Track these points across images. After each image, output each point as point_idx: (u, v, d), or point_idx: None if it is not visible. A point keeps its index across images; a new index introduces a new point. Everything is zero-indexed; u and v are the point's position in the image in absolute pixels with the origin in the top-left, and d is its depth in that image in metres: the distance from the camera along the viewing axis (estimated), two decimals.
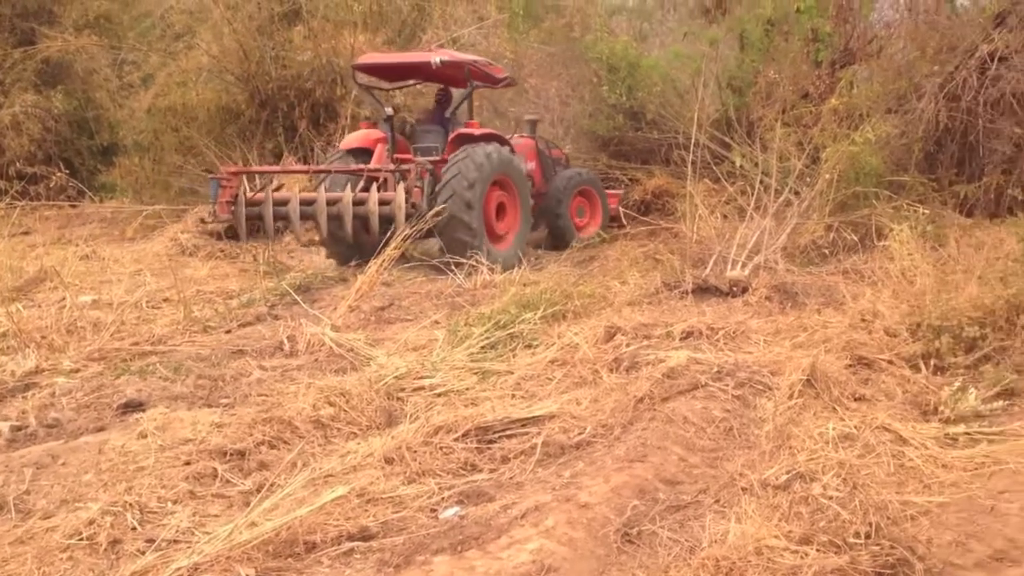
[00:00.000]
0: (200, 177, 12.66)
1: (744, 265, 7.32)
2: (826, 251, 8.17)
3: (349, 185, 8.86)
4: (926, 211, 7.97)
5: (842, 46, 11.64)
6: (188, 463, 3.89)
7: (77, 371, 5.60)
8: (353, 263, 8.94)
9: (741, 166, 9.40)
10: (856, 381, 4.81)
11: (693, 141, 9.89)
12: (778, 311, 6.50)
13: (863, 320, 5.74)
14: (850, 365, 5.04)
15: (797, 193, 8.39)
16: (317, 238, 9.69)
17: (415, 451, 3.96)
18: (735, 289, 6.99)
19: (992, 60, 9.17)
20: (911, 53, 10.32)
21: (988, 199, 9.10)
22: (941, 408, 4.34)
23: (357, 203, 8.62)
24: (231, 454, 4.00)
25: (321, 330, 6.08)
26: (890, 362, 5.09)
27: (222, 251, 10.44)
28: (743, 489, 3.47)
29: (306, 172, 10.22)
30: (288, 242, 10.79)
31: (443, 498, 3.61)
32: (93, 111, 16.02)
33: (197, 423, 4.34)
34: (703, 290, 7.06)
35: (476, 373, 5.28)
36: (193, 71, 13.86)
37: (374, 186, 8.78)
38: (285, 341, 6.04)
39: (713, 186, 10.03)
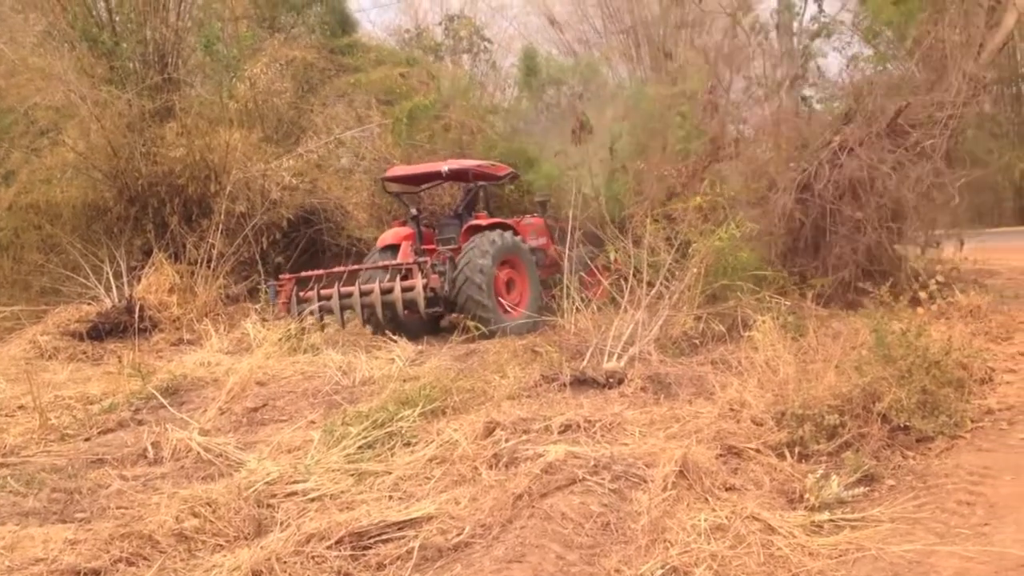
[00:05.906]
0: (63, 276, 12.14)
1: (620, 356, 7.47)
2: (696, 341, 8.40)
3: (384, 277, 10.32)
4: (786, 303, 8.35)
5: (710, 145, 12.29)
6: None
7: None
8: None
9: (615, 259, 9.69)
10: (727, 471, 4.93)
11: (568, 241, 10.18)
12: (652, 402, 6.62)
13: (731, 410, 5.90)
14: (721, 455, 5.15)
15: (667, 286, 8.67)
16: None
17: (285, 562, 3.81)
18: (611, 380, 7.10)
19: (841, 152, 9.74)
20: (769, 151, 10.98)
21: (841, 292, 9.59)
22: (806, 495, 4.48)
23: (386, 291, 10.02)
24: (85, 574, 3.76)
25: (188, 435, 5.87)
26: (758, 451, 5.23)
27: (84, 353, 9.98)
28: None
29: (345, 272, 10.92)
30: (156, 341, 10.41)
31: None
32: None
33: (49, 541, 4.09)
34: (581, 382, 7.15)
35: (352, 475, 5.16)
36: (58, 168, 13.41)
37: (398, 277, 10.19)
38: (149, 448, 5.79)
39: (588, 279, 10.33)
